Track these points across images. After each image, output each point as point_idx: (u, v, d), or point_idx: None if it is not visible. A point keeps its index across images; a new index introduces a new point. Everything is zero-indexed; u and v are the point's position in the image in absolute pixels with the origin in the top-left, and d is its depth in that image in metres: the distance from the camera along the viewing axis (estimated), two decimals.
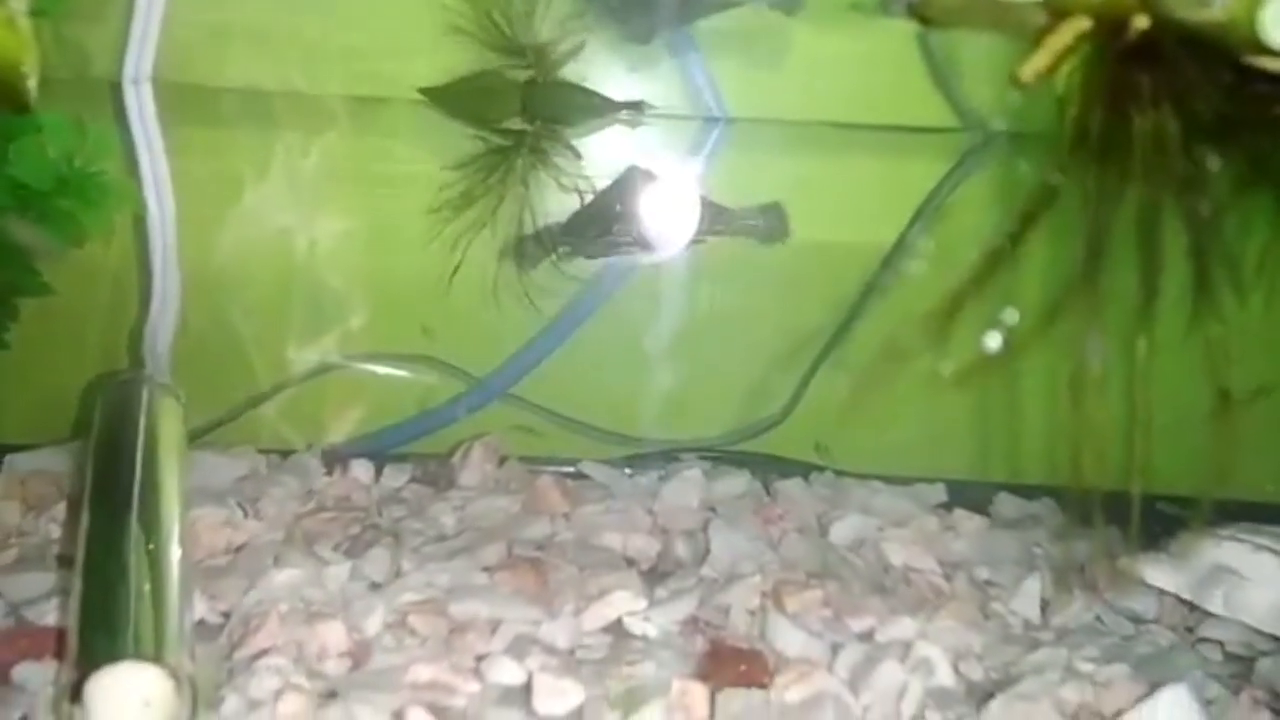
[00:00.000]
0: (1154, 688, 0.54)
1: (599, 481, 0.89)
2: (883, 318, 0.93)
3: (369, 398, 0.96)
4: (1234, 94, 0.37)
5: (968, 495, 0.90)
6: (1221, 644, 0.70)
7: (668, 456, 0.95)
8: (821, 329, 0.96)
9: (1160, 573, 0.69)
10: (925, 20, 0.43)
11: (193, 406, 0.78)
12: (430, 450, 0.95)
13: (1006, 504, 0.90)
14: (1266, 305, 0.44)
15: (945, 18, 0.40)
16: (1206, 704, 0.57)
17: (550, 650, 0.64)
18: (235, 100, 0.81)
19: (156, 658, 0.53)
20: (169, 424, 0.72)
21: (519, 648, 0.64)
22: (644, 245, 0.86)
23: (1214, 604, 0.67)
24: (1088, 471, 0.61)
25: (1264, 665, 0.66)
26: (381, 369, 0.96)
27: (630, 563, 0.78)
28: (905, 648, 0.64)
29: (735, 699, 0.60)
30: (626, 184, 0.85)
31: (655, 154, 0.93)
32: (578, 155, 0.84)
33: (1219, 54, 0.37)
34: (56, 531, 0.73)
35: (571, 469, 0.91)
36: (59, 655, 0.57)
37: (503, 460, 0.90)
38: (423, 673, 0.60)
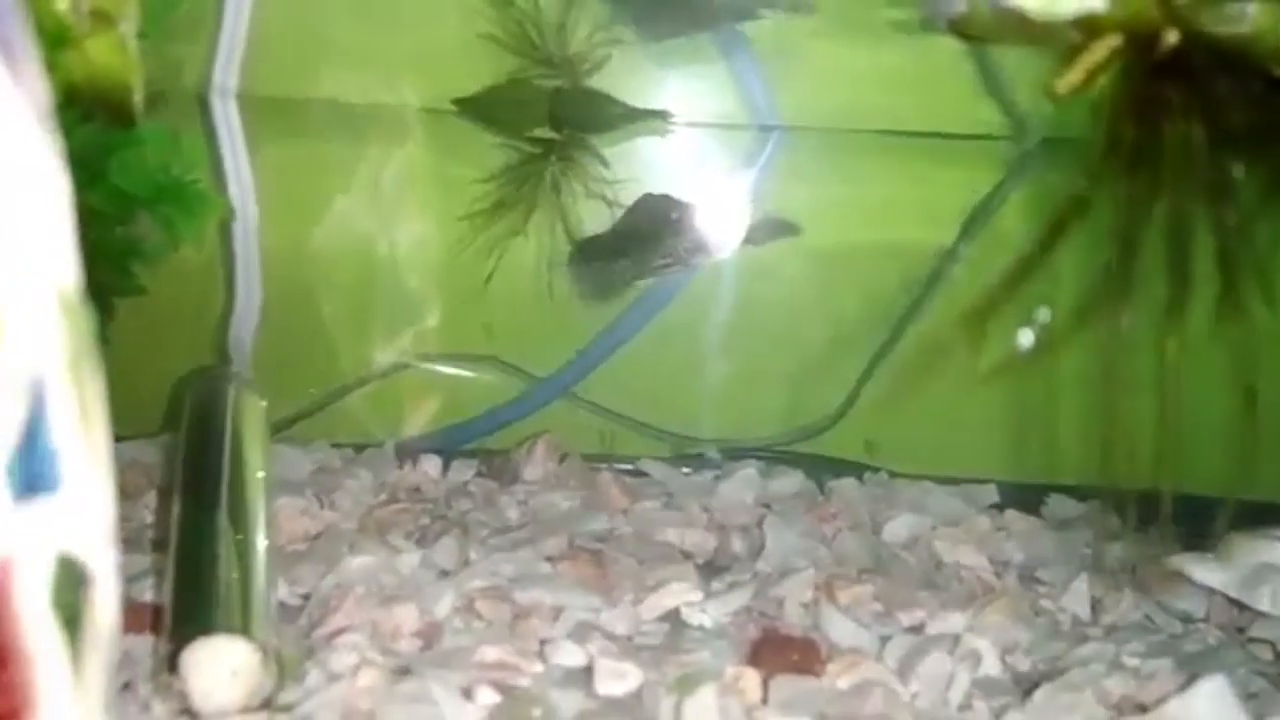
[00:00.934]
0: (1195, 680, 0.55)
1: (657, 479, 0.92)
2: (938, 319, 0.95)
3: (438, 395, 1.00)
4: (1263, 105, 0.39)
5: (1020, 496, 0.91)
6: (1272, 644, 0.71)
7: (724, 456, 0.97)
8: (877, 331, 0.98)
9: (1207, 572, 0.70)
10: (965, 36, 0.45)
11: (272, 402, 0.82)
12: (496, 447, 0.99)
13: (1059, 505, 0.91)
14: None
15: (983, 34, 0.42)
16: (1249, 698, 0.59)
17: (610, 636, 0.67)
18: (318, 111, 0.86)
19: (244, 633, 0.57)
20: (253, 418, 0.77)
21: (580, 633, 0.67)
22: (655, 273, 0.88)
23: (1262, 602, 0.68)
24: (1127, 471, 0.63)
25: None
26: (449, 368, 1.00)
27: (687, 556, 0.81)
28: (954, 640, 0.66)
29: (788, 685, 0.62)
30: (640, 212, 0.88)
31: (709, 164, 0.96)
32: (605, 163, 0.87)
33: (1248, 67, 0.39)
34: (149, 517, 0.78)
35: (630, 467, 0.95)
36: (155, 630, 0.61)
37: (563, 457, 0.94)
38: (490, 653, 0.64)
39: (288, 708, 0.57)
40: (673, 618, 0.72)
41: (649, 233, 0.87)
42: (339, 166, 0.88)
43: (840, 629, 0.68)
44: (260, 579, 0.62)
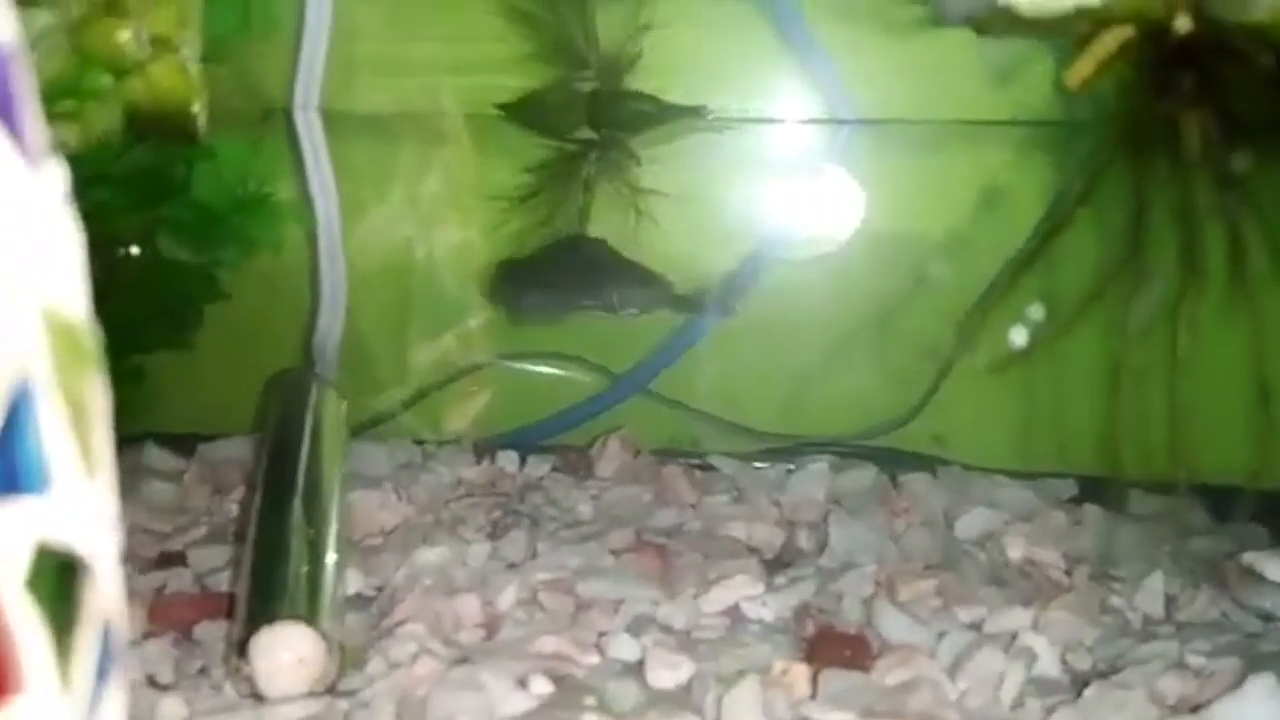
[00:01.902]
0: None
1: (726, 474, 0.93)
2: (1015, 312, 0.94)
3: (517, 393, 1.03)
4: (1276, 92, 0.37)
5: (1101, 491, 0.89)
6: None
7: (796, 451, 0.97)
8: (954, 325, 0.97)
9: None
10: (979, 29, 0.44)
11: (356, 401, 0.86)
12: (575, 442, 1.01)
13: (1143, 500, 0.89)
14: None
15: (998, 27, 0.41)
16: None
17: (667, 629, 0.69)
18: (394, 121, 0.89)
19: (310, 622, 0.60)
20: (332, 417, 0.80)
21: (638, 626, 0.69)
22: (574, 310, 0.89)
23: None
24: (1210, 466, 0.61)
25: None
26: (529, 366, 1.03)
27: (754, 552, 0.81)
28: (1011, 637, 0.65)
29: (836, 680, 0.62)
30: (567, 249, 0.88)
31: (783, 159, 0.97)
32: (639, 162, 0.88)
33: (1260, 53, 0.37)
34: (237, 511, 0.82)
35: (702, 462, 0.95)
36: (230, 617, 0.65)
37: (637, 452, 0.95)
38: (547, 644, 0.66)
39: (350, 694, 0.60)
40: (733, 612, 0.72)
41: (575, 272, 0.88)
42: (415, 172, 0.91)
43: (895, 625, 0.67)
44: (328, 571, 0.65)
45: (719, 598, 0.73)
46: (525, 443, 0.99)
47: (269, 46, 0.75)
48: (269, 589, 0.62)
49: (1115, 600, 0.73)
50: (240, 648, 0.59)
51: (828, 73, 0.93)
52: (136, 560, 0.76)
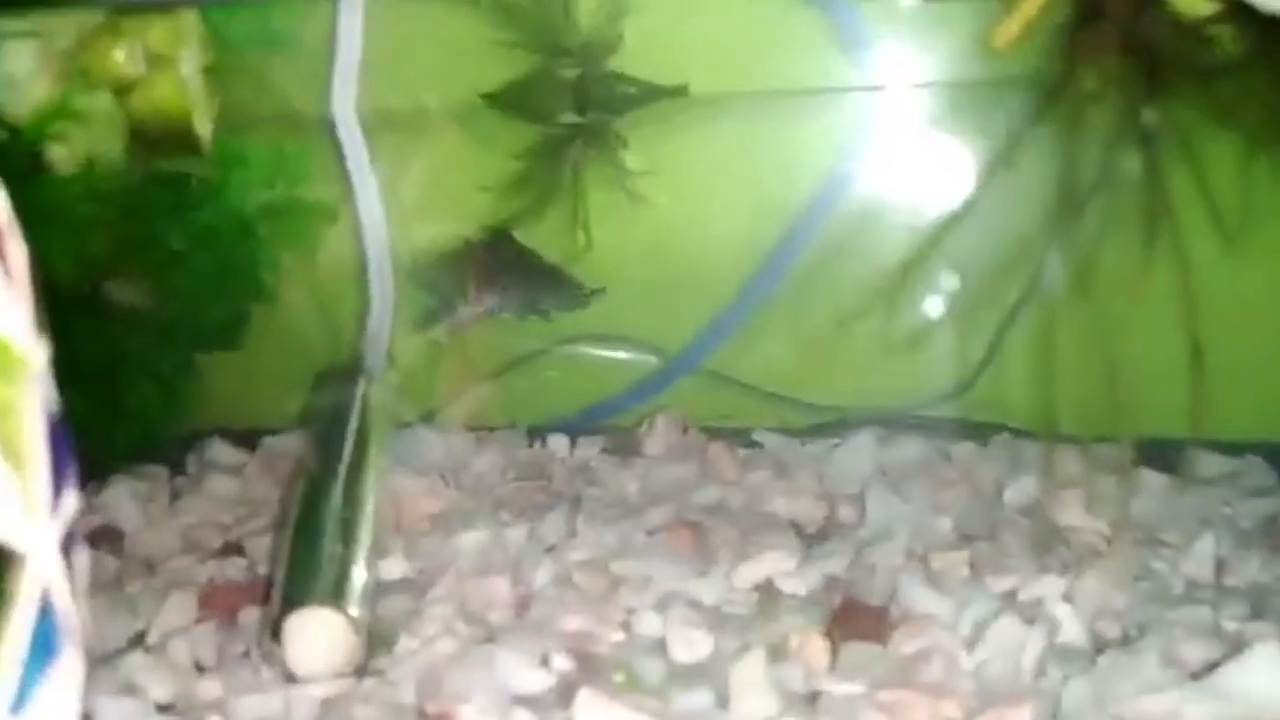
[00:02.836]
0: None
1: (771, 450, 0.93)
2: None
3: (572, 376, 1.04)
4: (1201, 42, 0.36)
5: (1158, 454, 0.86)
6: None
7: (846, 423, 0.96)
8: (1009, 290, 0.94)
9: None
10: None
11: (410, 393, 0.89)
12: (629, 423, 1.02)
13: (1204, 462, 0.85)
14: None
15: None
16: None
17: (694, 605, 0.69)
18: (428, 117, 0.92)
19: (339, 607, 0.63)
20: (377, 411, 0.83)
21: (665, 602, 0.69)
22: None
23: None
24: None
25: None
26: (584, 349, 1.04)
27: (795, 527, 0.81)
28: (1036, 606, 0.64)
29: (855, 652, 0.62)
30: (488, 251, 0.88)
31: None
32: (624, 144, 0.88)
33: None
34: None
35: (748, 438, 0.95)
36: (266, 602, 0.68)
37: (685, 430, 0.96)
38: (573, 622, 0.67)
39: (377, 673, 0.62)
40: (765, 587, 0.73)
41: (492, 272, 0.88)
42: (455, 166, 0.93)
43: (919, 596, 0.67)
44: (360, 556, 0.67)
45: (750, 573, 0.73)
46: (580, 426, 1.00)
47: (296, 53, 0.78)
48: (302, 574, 0.65)
49: (1159, 565, 0.71)
50: (274, 631, 0.62)
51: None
52: (199, 550, 0.80)
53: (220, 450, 0.94)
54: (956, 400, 0.97)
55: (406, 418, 0.90)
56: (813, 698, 0.58)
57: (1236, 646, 0.56)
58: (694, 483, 0.88)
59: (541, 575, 0.73)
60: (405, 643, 0.64)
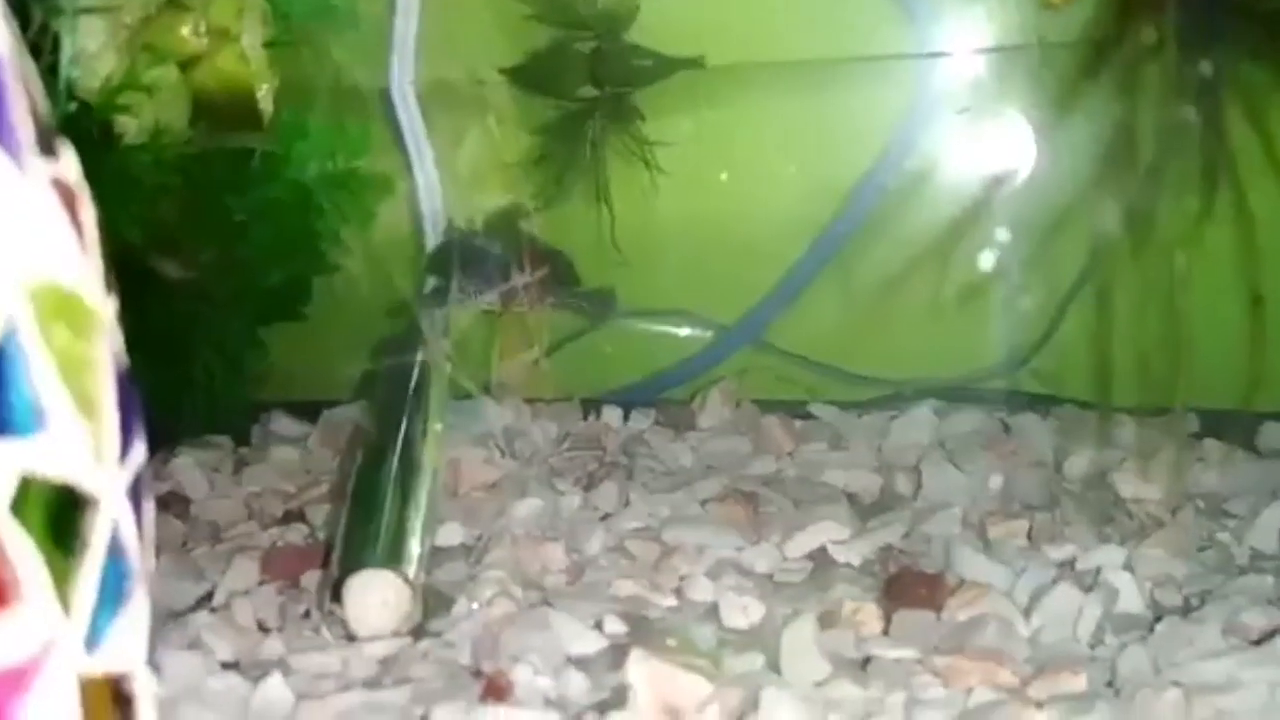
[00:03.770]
0: None
1: (827, 421, 0.92)
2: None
3: (629, 349, 1.05)
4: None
5: (1227, 425, 0.84)
6: None
7: (905, 396, 0.96)
8: (1072, 261, 0.93)
9: None
10: None
11: (468, 366, 0.90)
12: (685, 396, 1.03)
13: (1272, 433, 0.84)
14: None
15: None
16: None
17: (747, 573, 0.70)
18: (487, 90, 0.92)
19: (395, 568, 0.64)
20: (436, 379, 0.84)
21: (718, 570, 0.70)
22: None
23: None
24: None
25: None
26: (641, 323, 1.05)
27: (850, 498, 0.81)
28: (1095, 574, 0.63)
29: (909, 619, 0.62)
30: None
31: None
32: (643, 117, 0.87)
33: None
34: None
35: (805, 410, 0.95)
36: (326, 564, 0.69)
37: (739, 403, 0.96)
38: (625, 588, 0.68)
39: (434, 634, 0.63)
40: (819, 556, 0.73)
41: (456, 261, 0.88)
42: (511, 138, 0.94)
43: (976, 565, 0.66)
44: (417, 521, 0.69)
45: (804, 542, 0.73)
46: (634, 399, 1.01)
47: (355, 27, 0.79)
48: (361, 537, 0.66)
49: (1223, 536, 0.70)
50: (334, 592, 0.64)
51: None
52: (262, 517, 0.82)
53: (283, 422, 0.96)
54: (1016, 372, 0.96)
55: (463, 388, 0.91)
56: (864, 662, 0.59)
57: None
58: (748, 454, 0.88)
59: (595, 543, 0.74)
60: (461, 605, 0.66)
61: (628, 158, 0.95)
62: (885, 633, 0.62)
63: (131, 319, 0.36)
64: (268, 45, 0.60)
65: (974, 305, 0.96)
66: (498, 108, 0.84)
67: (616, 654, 0.60)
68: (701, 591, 0.67)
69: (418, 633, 0.63)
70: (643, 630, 0.63)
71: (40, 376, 0.30)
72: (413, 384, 0.83)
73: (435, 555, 0.72)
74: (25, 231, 0.30)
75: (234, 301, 0.84)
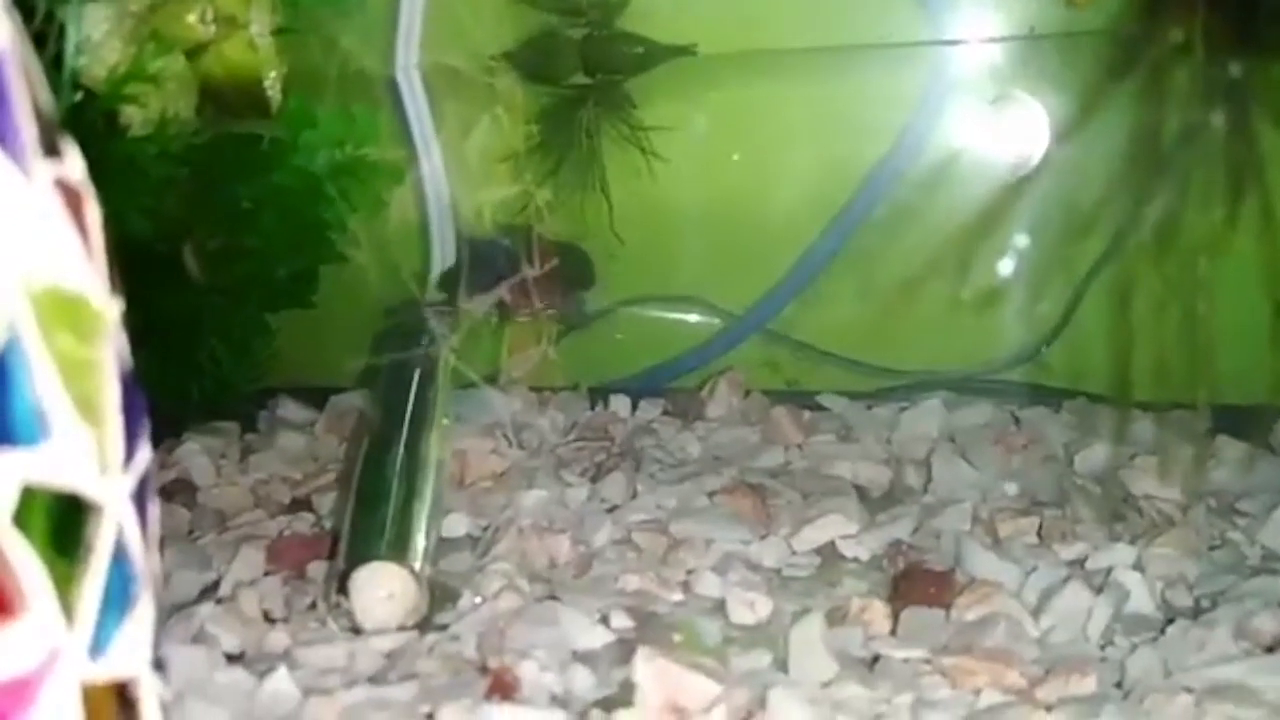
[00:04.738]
0: None
1: (836, 413, 0.92)
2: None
3: (636, 337, 1.04)
4: None
5: (1239, 421, 0.84)
6: None
7: (915, 387, 0.95)
8: (1086, 253, 0.92)
9: None
10: None
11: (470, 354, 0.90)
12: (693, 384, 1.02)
13: None
14: None
15: None
16: None
17: (754, 568, 0.69)
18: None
19: (401, 561, 0.64)
20: (441, 369, 0.84)
21: (725, 564, 0.69)
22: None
23: None
24: None
25: None
26: (650, 311, 1.04)
27: (859, 491, 0.81)
28: (1105, 574, 0.63)
29: (916, 617, 0.62)
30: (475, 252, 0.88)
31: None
32: (634, 104, 0.87)
33: None
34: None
35: (815, 401, 0.95)
36: (332, 556, 0.69)
37: (747, 393, 0.95)
38: (632, 582, 0.67)
39: (440, 627, 0.63)
40: (827, 550, 0.72)
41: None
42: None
43: (985, 562, 0.66)
44: (422, 512, 0.68)
45: (812, 536, 0.73)
46: (642, 388, 1.00)
47: (362, 14, 0.78)
48: (367, 529, 0.66)
49: (1235, 535, 0.69)
50: (340, 584, 0.64)
51: None
52: (269, 505, 0.82)
53: (290, 408, 0.95)
54: (1028, 365, 0.95)
55: (470, 377, 0.90)
56: (872, 662, 0.58)
57: None
58: (756, 446, 0.88)
59: (602, 535, 0.73)
60: (468, 598, 0.65)
61: (633, 146, 0.95)
62: (893, 631, 0.61)
63: (138, 306, 0.36)
64: (276, 33, 0.59)
65: (986, 297, 0.96)
66: (505, 93, 0.83)
67: (623, 649, 0.60)
68: (708, 586, 0.67)
69: (424, 626, 0.63)
70: (649, 626, 0.63)
71: (43, 383, 0.29)
72: (417, 376, 0.82)
73: (441, 546, 0.72)
74: (28, 237, 0.30)
75: (241, 289, 0.83)
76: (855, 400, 0.94)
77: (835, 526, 0.73)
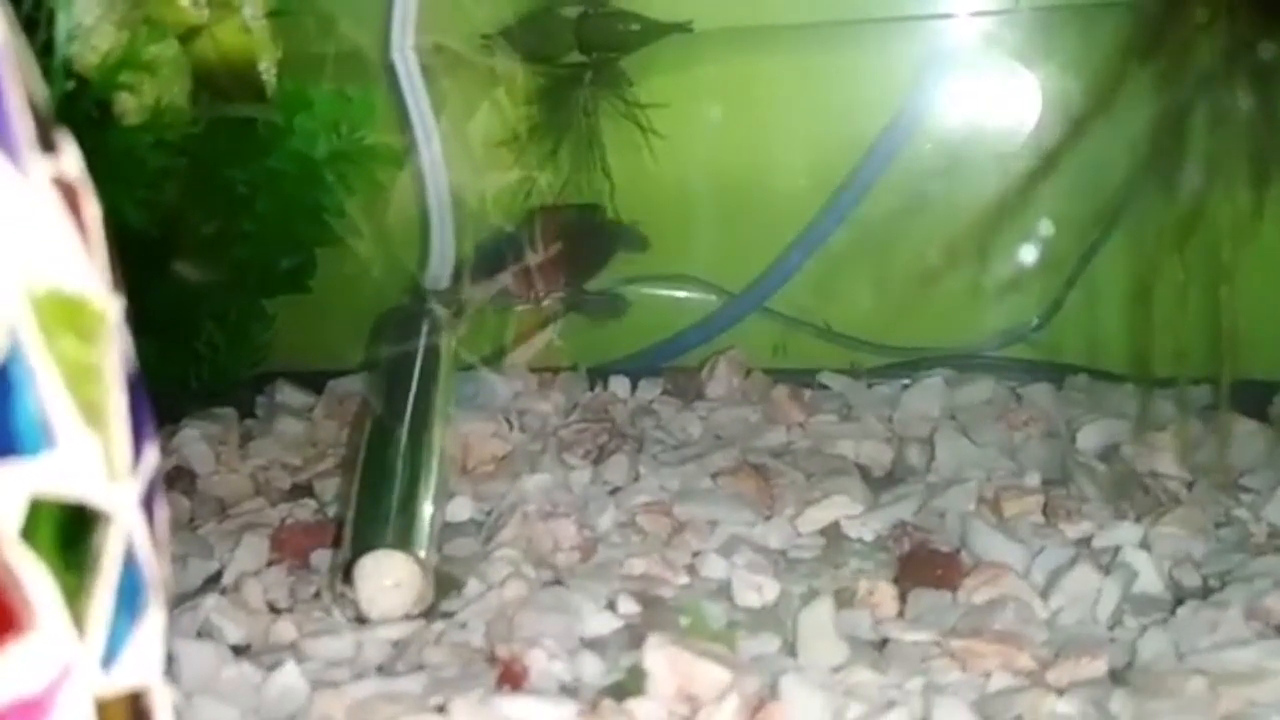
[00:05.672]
0: None
1: (836, 392, 0.92)
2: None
3: (634, 318, 1.03)
4: None
5: (1240, 396, 0.83)
6: None
7: (915, 365, 0.95)
8: (1086, 229, 0.91)
9: None
10: None
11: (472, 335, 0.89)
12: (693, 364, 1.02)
13: None
14: None
15: None
16: None
17: (760, 550, 0.69)
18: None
19: (406, 549, 0.64)
20: (442, 353, 0.83)
21: (730, 546, 0.69)
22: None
23: None
24: None
25: None
26: (649, 289, 1.03)
27: (862, 470, 0.80)
28: (1113, 553, 0.62)
29: (925, 599, 0.62)
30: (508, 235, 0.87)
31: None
32: (630, 81, 0.86)
33: None
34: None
35: (816, 379, 0.94)
36: (337, 544, 0.69)
37: (748, 372, 0.95)
38: (638, 565, 0.67)
39: (447, 615, 0.63)
40: (831, 531, 0.72)
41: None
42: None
43: (992, 542, 0.66)
44: (426, 500, 0.68)
45: (816, 517, 0.72)
46: (642, 367, 1.00)
47: None
48: (371, 517, 0.66)
49: (1241, 513, 0.69)
50: (344, 573, 0.63)
51: None
52: (270, 493, 0.82)
53: (288, 393, 0.95)
54: (1030, 341, 0.95)
55: (469, 360, 0.90)
56: (881, 645, 0.58)
57: None
58: (758, 425, 0.88)
59: (606, 518, 0.73)
60: (474, 585, 0.65)
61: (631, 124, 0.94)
62: (901, 614, 0.61)
63: (135, 292, 0.35)
64: (270, 15, 0.58)
65: (986, 274, 0.96)
66: (504, 75, 0.82)
67: (631, 635, 0.60)
68: (714, 569, 0.67)
69: (430, 614, 0.63)
70: (656, 610, 0.63)
71: (47, 391, 0.29)
72: (418, 357, 0.82)
73: (445, 531, 0.71)
74: (26, 239, 0.29)
75: (238, 274, 0.82)
76: (856, 379, 0.93)
77: (839, 507, 0.73)
